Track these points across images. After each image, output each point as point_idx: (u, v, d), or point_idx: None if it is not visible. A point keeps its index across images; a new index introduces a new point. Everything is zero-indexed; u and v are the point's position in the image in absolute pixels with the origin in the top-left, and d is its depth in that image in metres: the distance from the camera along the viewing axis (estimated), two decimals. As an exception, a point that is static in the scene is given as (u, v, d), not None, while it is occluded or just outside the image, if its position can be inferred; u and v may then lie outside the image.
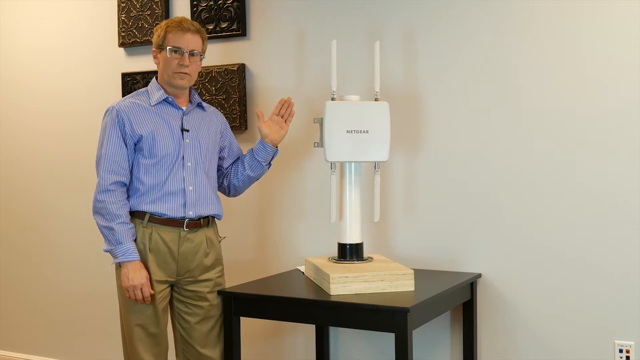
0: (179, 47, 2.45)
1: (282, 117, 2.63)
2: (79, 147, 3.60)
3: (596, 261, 2.56)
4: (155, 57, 2.52)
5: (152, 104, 2.47)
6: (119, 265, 2.42)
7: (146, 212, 2.43)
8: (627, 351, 2.51)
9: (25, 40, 3.75)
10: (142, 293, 2.38)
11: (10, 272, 3.87)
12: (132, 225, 2.42)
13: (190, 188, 2.46)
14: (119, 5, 3.45)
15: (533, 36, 2.64)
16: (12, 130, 3.82)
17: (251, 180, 2.68)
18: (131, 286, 2.37)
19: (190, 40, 2.47)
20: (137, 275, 2.37)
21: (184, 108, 2.53)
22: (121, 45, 3.45)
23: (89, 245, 3.60)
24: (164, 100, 2.49)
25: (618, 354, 2.53)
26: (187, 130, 2.50)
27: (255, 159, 2.62)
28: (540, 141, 2.64)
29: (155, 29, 2.54)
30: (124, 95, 3.42)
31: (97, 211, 2.43)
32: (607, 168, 2.54)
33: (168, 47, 2.45)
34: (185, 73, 2.46)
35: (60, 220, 3.69)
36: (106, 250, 2.42)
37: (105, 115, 2.48)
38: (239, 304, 2.49)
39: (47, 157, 3.72)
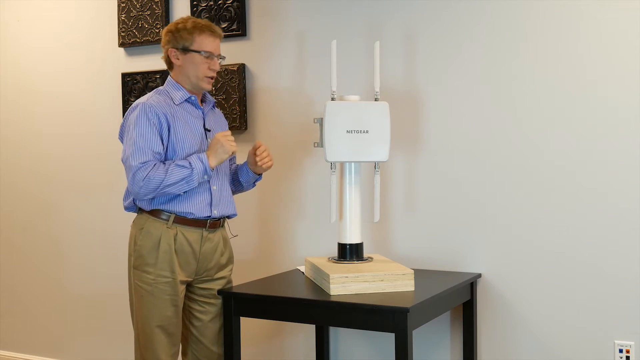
0: (211, 52, 2.46)
1: (262, 161, 2.58)
2: (80, 147, 3.60)
3: (596, 261, 2.56)
4: (176, 58, 2.46)
5: (175, 103, 2.45)
6: (210, 173, 2.38)
7: (171, 213, 2.41)
8: (627, 351, 2.51)
9: (25, 41, 3.75)
10: (228, 138, 2.39)
11: (11, 272, 3.87)
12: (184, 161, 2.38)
13: (215, 187, 2.48)
14: (119, 5, 3.45)
15: (533, 36, 2.64)
16: (13, 130, 3.82)
17: (237, 192, 2.71)
18: (229, 150, 2.38)
19: (218, 45, 2.50)
20: (219, 148, 2.37)
21: (202, 107, 2.55)
22: (121, 45, 3.45)
23: (89, 246, 3.61)
24: (186, 99, 2.49)
25: (618, 354, 2.53)
26: (209, 130, 2.51)
27: (239, 177, 2.65)
28: (540, 141, 2.64)
29: (174, 28, 2.46)
30: (124, 95, 3.43)
31: (147, 191, 2.33)
32: (606, 169, 2.54)
33: (202, 52, 2.44)
34: (213, 77, 2.50)
35: (60, 221, 3.69)
36: (198, 180, 2.36)
37: (132, 111, 2.41)
38: (239, 304, 2.49)
39: (47, 158, 3.72)
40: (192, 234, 2.45)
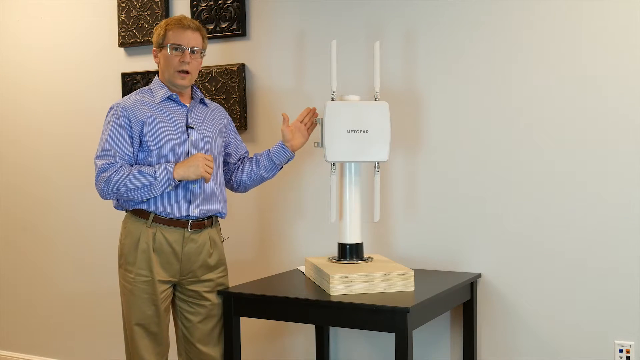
0: (179, 45, 2.44)
1: (304, 125, 2.63)
2: (79, 147, 3.60)
3: (596, 261, 2.56)
4: (155, 57, 2.51)
5: (156, 102, 2.47)
6: (174, 184, 2.37)
7: (150, 212, 2.42)
8: (627, 351, 2.51)
9: (25, 41, 3.75)
10: (207, 163, 2.39)
11: (10, 272, 3.87)
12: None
13: (195, 186, 2.46)
14: (119, 5, 3.45)
15: (533, 36, 2.64)
16: (12, 130, 3.82)
17: (263, 180, 2.69)
18: (200, 173, 2.37)
19: (191, 38, 2.46)
20: (192, 165, 2.37)
21: (188, 105, 2.53)
22: (121, 45, 3.45)
23: (89, 246, 3.61)
24: (168, 97, 2.49)
25: (618, 354, 2.53)
26: (192, 128, 2.50)
27: (272, 160, 2.62)
28: (540, 141, 2.64)
29: (155, 28, 2.53)
30: (124, 95, 3.42)
31: (108, 193, 2.37)
32: (606, 169, 2.54)
33: (168, 45, 2.44)
34: (186, 72, 2.46)
35: (60, 221, 3.69)
36: (161, 189, 2.36)
37: (109, 112, 2.47)
38: (239, 304, 2.49)
39: (47, 157, 3.72)
40: (172, 234, 2.44)
